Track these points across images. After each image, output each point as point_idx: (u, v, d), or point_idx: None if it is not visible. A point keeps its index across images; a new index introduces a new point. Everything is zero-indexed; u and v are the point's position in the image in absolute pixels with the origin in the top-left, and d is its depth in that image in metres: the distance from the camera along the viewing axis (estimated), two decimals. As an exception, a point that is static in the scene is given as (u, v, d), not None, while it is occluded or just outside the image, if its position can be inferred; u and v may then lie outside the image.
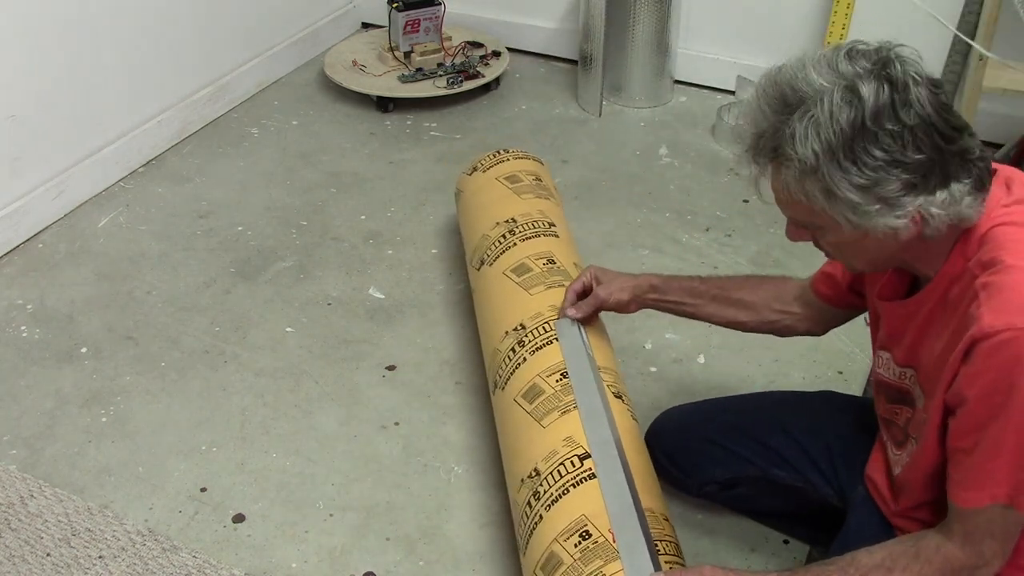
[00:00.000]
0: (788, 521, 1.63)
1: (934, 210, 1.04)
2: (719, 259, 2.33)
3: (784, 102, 1.05)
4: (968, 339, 1.04)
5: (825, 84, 1.03)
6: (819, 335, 1.56)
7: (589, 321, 1.64)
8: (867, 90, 1.01)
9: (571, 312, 1.62)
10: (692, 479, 1.59)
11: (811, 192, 1.06)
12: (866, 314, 1.42)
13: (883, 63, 1.03)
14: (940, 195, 1.03)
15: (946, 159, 1.03)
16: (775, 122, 1.06)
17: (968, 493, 1.08)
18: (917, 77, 1.03)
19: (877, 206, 1.03)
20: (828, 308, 1.47)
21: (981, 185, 1.07)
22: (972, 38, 2.43)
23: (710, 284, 1.56)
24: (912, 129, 1.01)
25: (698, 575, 1.20)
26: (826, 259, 1.31)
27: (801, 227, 1.16)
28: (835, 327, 1.53)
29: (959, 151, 1.04)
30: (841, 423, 1.49)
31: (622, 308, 1.60)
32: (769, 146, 1.07)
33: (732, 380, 1.91)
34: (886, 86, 1.01)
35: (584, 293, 1.63)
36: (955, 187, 1.04)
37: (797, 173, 1.05)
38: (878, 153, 1.01)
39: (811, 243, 1.19)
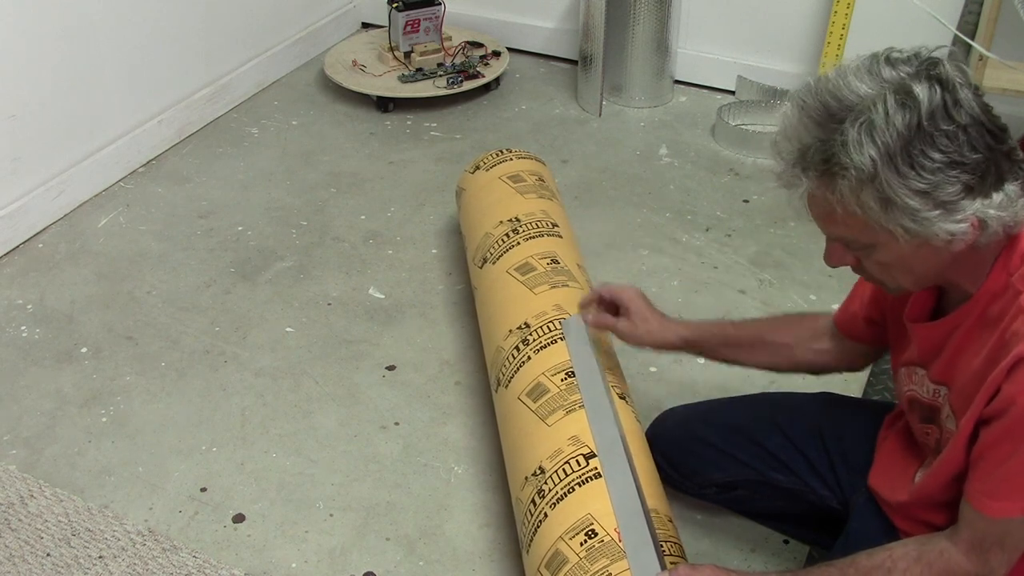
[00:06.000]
0: (788, 522, 1.62)
1: (992, 212, 1.02)
2: (719, 259, 2.33)
3: (828, 113, 1.03)
4: (1014, 357, 1.03)
5: (870, 91, 1.01)
6: (859, 371, 1.54)
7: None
8: (920, 91, 0.99)
9: (588, 317, 1.59)
10: (690, 481, 1.59)
11: (866, 203, 1.02)
12: None
13: (930, 64, 1.02)
14: (997, 196, 1.02)
15: (998, 159, 1.02)
16: (821, 134, 1.03)
17: (998, 503, 1.07)
18: (961, 78, 1.02)
19: (937, 211, 1.01)
20: (857, 345, 1.44)
21: None
22: (972, 38, 2.43)
23: (743, 329, 1.51)
24: (966, 128, 0.99)
25: (703, 573, 1.20)
26: (843, 292, 1.26)
27: (845, 248, 1.12)
28: (873, 362, 1.51)
29: (1007, 151, 1.03)
30: (841, 426, 1.48)
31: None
32: (819, 158, 1.03)
33: (732, 380, 1.90)
34: (937, 86, 1.00)
35: (610, 305, 1.58)
36: (1009, 187, 1.03)
37: (854, 182, 1.01)
38: (936, 155, 0.99)
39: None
